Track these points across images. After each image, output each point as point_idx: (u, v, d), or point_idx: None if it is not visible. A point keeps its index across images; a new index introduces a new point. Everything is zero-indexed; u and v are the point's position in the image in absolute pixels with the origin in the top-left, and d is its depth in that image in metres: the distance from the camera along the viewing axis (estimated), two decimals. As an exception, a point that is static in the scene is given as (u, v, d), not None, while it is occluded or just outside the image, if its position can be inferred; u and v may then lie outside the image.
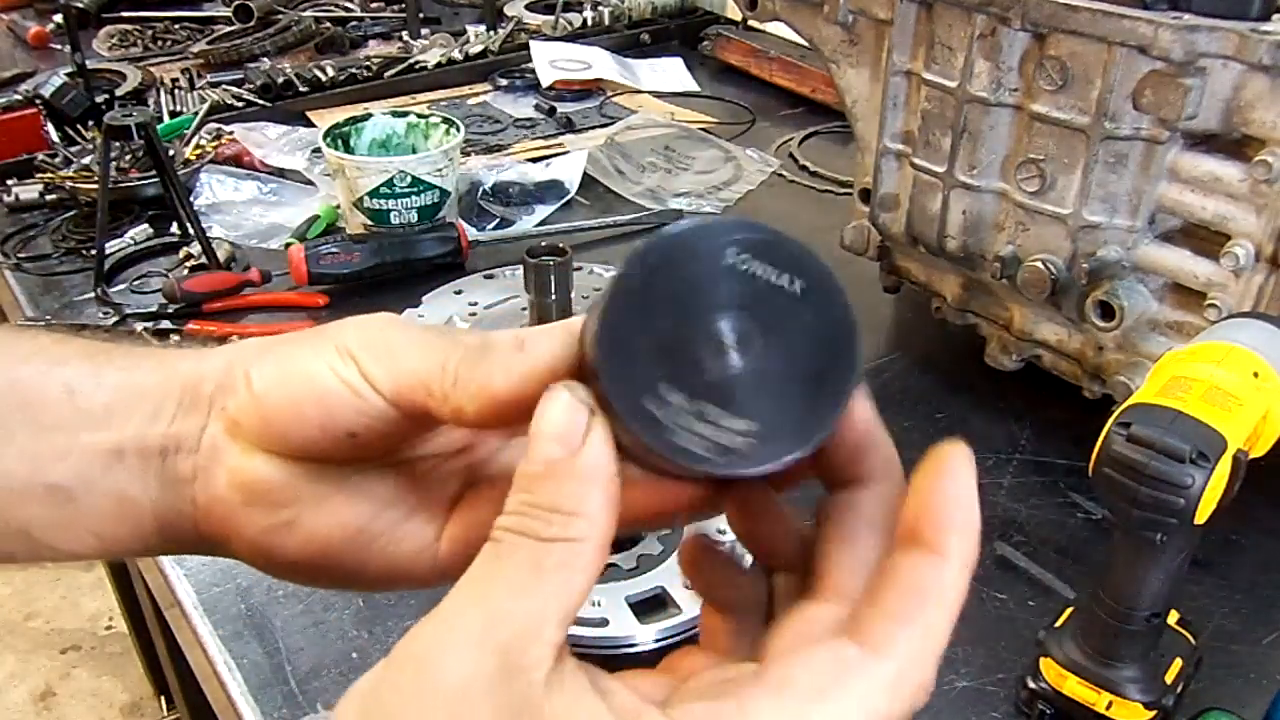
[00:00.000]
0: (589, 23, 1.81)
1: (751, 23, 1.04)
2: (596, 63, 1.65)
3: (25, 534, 0.37)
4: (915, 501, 0.29)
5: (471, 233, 1.19)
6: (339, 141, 1.19)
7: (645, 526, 0.37)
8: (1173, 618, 0.67)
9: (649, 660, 0.66)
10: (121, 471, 0.36)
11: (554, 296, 0.91)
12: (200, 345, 0.89)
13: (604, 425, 0.28)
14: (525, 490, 0.28)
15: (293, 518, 0.36)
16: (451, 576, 0.36)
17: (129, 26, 1.85)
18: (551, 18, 1.80)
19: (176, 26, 1.85)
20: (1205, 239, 0.76)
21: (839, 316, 0.28)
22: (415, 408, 0.34)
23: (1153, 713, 0.63)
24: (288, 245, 1.16)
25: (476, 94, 1.64)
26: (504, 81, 1.65)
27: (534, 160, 1.38)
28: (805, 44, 0.99)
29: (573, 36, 1.78)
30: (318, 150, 1.28)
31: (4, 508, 0.36)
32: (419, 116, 1.25)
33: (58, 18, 1.79)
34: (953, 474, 0.29)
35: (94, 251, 1.12)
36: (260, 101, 1.52)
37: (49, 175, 1.27)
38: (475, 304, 1.00)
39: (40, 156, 1.31)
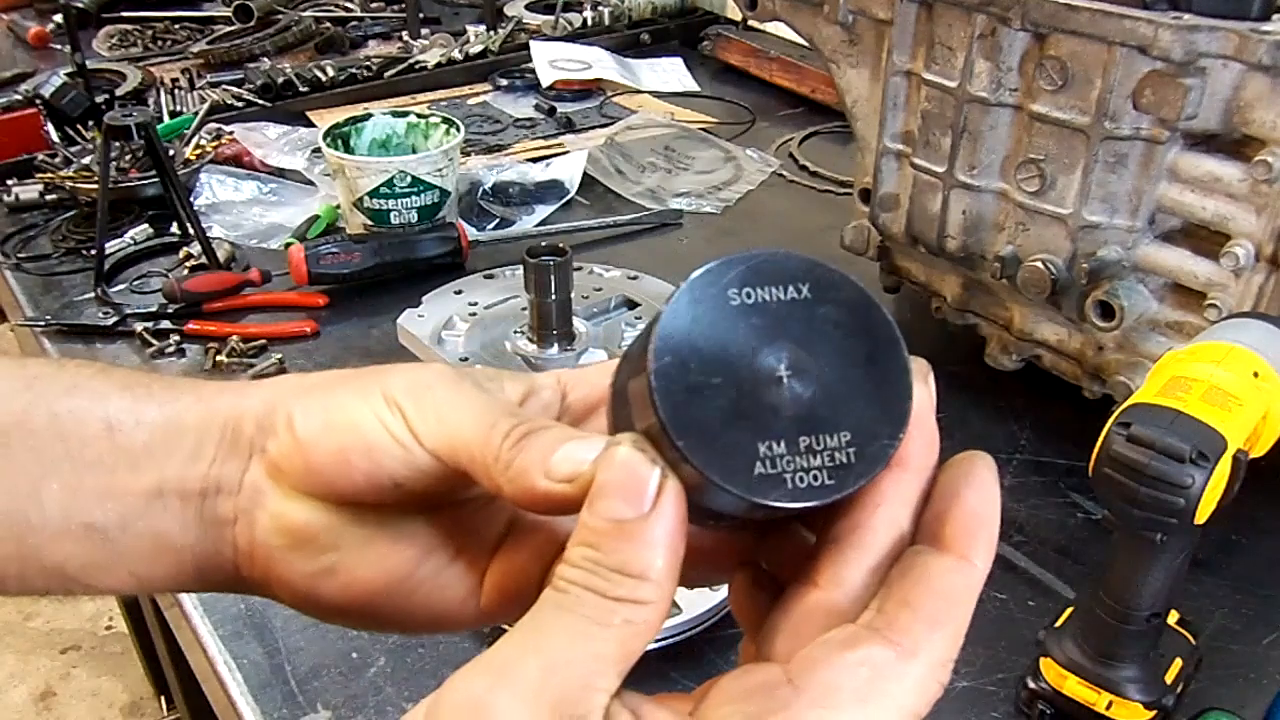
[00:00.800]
0: (589, 23, 1.81)
1: (751, 23, 1.04)
2: (596, 63, 1.65)
3: (60, 572, 0.36)
4: (947, 507, 0.29)
5: (471, 233, 1.19)
6: (339, 141, 1.19)
7: (701, 582, 0.37)
8: (1173, 618, 0.67)
9: (648, 659, 0.66)
10: (161, 512, 0.36)
11: (554, 296, 0.91)
12: (237, 376, 0.89)
13: (677, 489, 0.28)
14: (591, 545, 0.28)
15: (335, 563, 0.36)
16: (491, 620, 0.37)
17: (129, 26, 1.85)
18: (551, 18, 1.80)
19: (176, 26, 1.85)
20: (1205, 239, 0.76)
21: (854, 297, 0.28)
22: (460, 468, 0.33)
23: (1153, 713, 0.63)
24: (288, 245, 1.16)
25: (476, 94, 1.64)
26: (504, 81, 1.65)
27: (534, 160, 1.38)
28: (805, 44, 0.99)
29: (573, 36, 1.78)
30: (318, 150, 1.28)
31: (40, 546, 0.36)
32: (419, 116, 1.25)
33: (58, 18, 1.79)
34: (984, 484, 0.29)
35: (94, 251, 1.12)
36: (260, 101, 1.52)
37: (49, 175, 1.27)
38: (475, 304, 1.00)
39: (40, 156, 1.31)
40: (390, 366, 0.36)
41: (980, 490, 0.29)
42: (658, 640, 0.68)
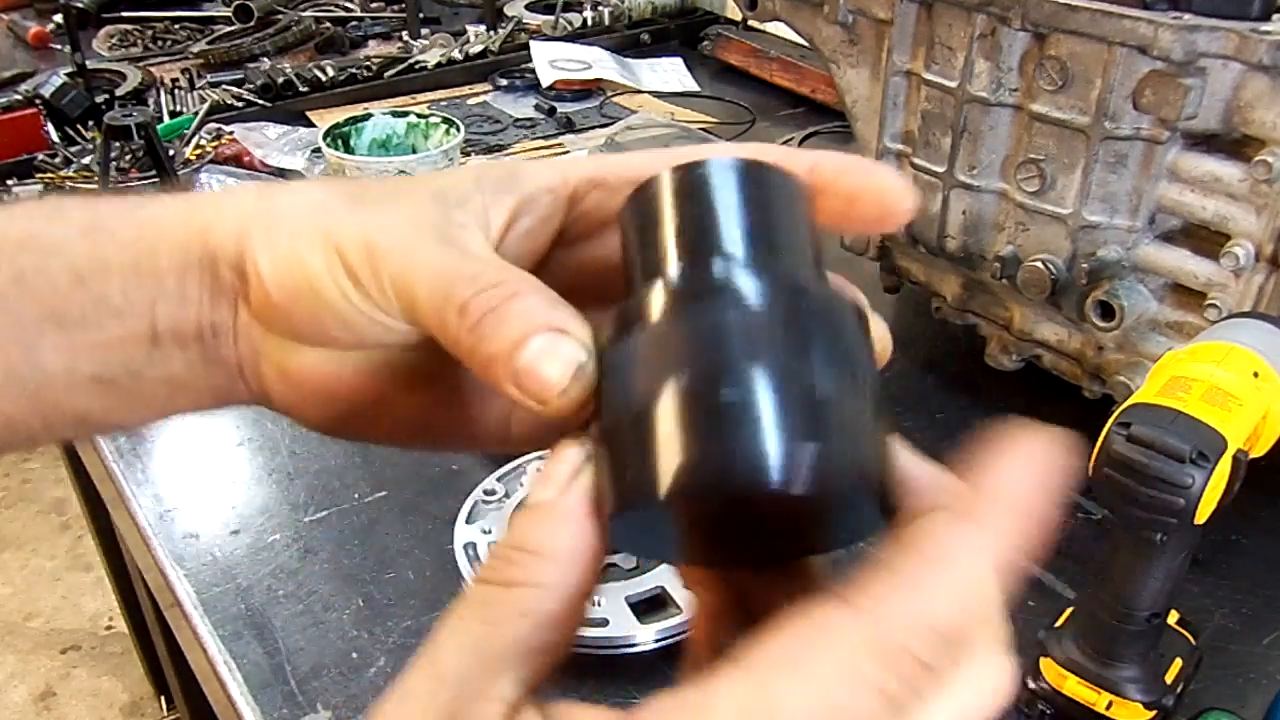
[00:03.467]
0: (589, 23, 1.81)
1: (751, 23, 1.04)
2: (596, 63, 1.65)
3: (85, 420, 0.34)
4: (971, 474, 0.26)
5: (471, 233, 1.19)
6: (339, 141, 1.19)
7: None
8: (1173, 618, 0.67)
9: (649, 660, 0.66)
10: (164, 359, 0.33)
11: (554, 296, 0.92)
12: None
13: (591, 472, 0.26)
14: (499, 543, 0.26)
15: (361, 409, 0.33)
16: (533, 445, 0.35)
17: (129, 26, 1.84)
18: (551, 18, 1.80)
19: (176, 26, 1.85)
20: (1205, 239, 0.76)
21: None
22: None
23: (1153, 713, 0.63)
24: (288, 245, 1.16)
25: (476, 94, 1.64)
26: (504, 81, 1.65)
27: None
28: (805, 44, 0.99)
29: (573, 36, 1.77)
30: (318, 150, 1.28)
31: (58, 401, 0.33)
32: (419, 116, 1.25)
33: (58, 18, 1.78)
34: (1023, 454, 0.26)
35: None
36: (260, 101, 1.52)
37: (49, 175, 1.27)
38: (475, 304, 1.00)
39: (40, 156, 1.31)
40: (351, 193, 0.32)
41: (1012, 458, 0.26)
42: (657, 640, 0.68)
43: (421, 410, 0.34)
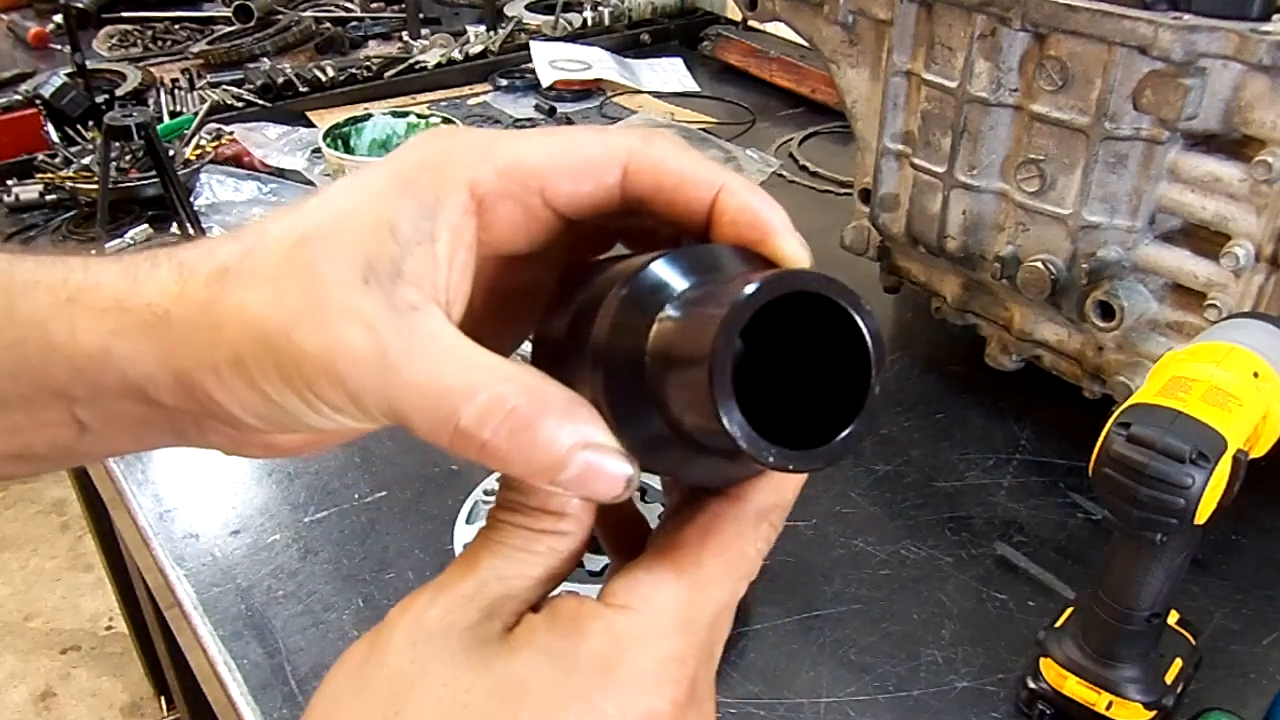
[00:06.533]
0: (589, 23, 1.81)
1: (751, 23, 1.04)
2: (596, 63, 1.65)
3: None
4: None
5: (471, 233, 1.19)
6: (339, 142, 1.19)
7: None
8: (1173, 618, 0.67)
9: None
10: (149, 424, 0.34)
11: (554, 296, 0.91)
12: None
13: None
14: (517, 490, 0.31)
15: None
16: None
17: (129, 27, 1.85)
18: (551, 18, 1.80)
19: (176, 27, 1.85)
20: (1205, 239, 0.76)
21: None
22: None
23: (1153, 713, 0.63)
24: (288, 245, 1.16)
25: (476, 94, 1.64)
26: (504, 82, 1.65)
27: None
28: (805, 44, 0.99)
29: (573, 36, 1.77)
30: (318, 150, 1.28)
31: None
32: (419, 117, 1.25)
33: (58, 18, 1.78)
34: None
35: (94, 252, 1.12)
36: (260, 101, 1.52)
37: (49, 175, 1.27)
38: (475, 304, 1.00)
39: (40, 156, 1.31)
40: (288, 306, 0.29)
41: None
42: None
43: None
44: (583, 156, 0.32)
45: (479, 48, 1.70)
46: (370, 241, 0.29)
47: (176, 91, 1.53)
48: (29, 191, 1.27)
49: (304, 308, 0.29)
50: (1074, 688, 0.63)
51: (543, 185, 0.32)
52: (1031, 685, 0.66)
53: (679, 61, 1.72)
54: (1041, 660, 0.65)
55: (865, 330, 0.28)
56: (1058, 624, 0.66)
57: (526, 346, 0.38)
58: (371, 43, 1.80)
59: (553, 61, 1.63)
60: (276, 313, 0.29)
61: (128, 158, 1.29)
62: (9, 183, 1.28)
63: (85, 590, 2.42)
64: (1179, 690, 0.64)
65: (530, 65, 1.64)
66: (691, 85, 1.67)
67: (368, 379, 0.28)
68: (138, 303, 0.32)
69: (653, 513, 0.76)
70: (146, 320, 0.31)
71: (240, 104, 1.51)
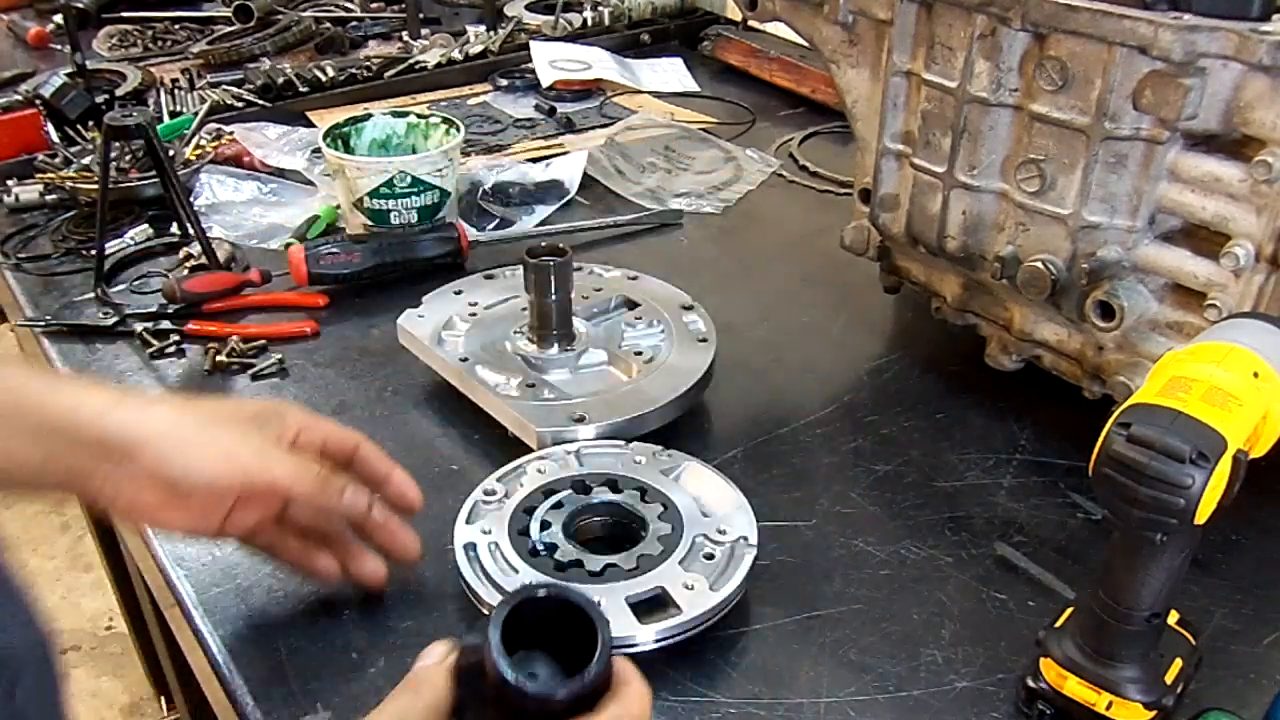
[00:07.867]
0: (589, 23, 1.81)
1: (751, 23, 1.04)
2: (596, 63, 1.65)
3: None
4: None
5: (471, 233, 1.19)
6: (339, 142, 1.19)
7: None
8: (1173, 618, 0.67)
9: (649, 660, 0.66)
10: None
11: (554, 296, 0.91)
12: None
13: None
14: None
15: None
16: None
17: (129, 27, 1.85)
18: (551, 18, 1.80)
19: (176, 27, 1.85)
20: (1205, 239, 0.76)
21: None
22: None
23: (1153, 713, 0.63)
24: (288, 245, 1.16)
25: (476, 94, 1.64)
26: (504, 82, 1.65)
27: (534, 160, 1.38)
28: (805, 44, 0.99)
29: (573, 36, 1.78)
30: (318, 150, 1.28)
31: None
32: (419, 117, 1.25)
33: (58, 18, 1.79)
34: None
35: (94, 252, 1.12)
36: (260, 102, 1.52)
37: (49, 175, 1.27)
38: (475, 304, 1.00)
39: (40, 156, 1.31)
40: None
41: None
42: (657, 640, 0.68)
43: None
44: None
45: (479, 48, 1.70)
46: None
47: (176, 91, 1.53)
48: (29, 192, 1.27)
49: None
50: (1074, 688, 0.63)
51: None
52: (1031, 685, 0.66)
53: (679, 61, 1.73)
54: (1041, 660, 0.65)
55: (586, 611, 0.52)
56: (1058, 624, 0.66)
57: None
58: (371, 43, 1.80)
59: (553, 61, 1.63)
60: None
61: (128, 158, 1.29)
62: (9, 183, 1.28)
63: (85, 590, 2.42)
64: (1179, 690, 0.64)
65: (530, 65, 1.64)
66: (691, 85, 1.67)
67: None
68: None
69: (653, 513, 0.76)
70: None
71: (240, 104, 1.51)
